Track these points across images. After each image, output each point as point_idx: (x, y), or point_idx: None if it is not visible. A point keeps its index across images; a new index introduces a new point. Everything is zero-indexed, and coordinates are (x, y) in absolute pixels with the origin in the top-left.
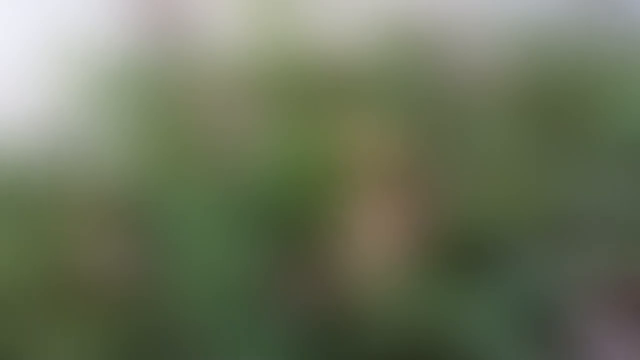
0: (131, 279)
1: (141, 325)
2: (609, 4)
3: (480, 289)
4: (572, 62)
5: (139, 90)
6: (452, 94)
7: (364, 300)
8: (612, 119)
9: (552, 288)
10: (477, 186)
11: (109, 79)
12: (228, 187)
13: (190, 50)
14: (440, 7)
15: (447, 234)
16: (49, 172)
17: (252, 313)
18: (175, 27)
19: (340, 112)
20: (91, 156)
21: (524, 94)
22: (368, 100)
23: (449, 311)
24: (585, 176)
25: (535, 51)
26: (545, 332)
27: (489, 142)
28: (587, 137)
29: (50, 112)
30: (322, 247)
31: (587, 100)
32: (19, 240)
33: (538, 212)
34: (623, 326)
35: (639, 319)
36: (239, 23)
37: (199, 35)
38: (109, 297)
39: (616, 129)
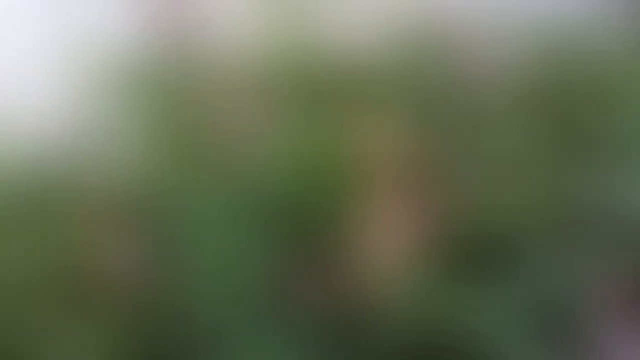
0: (143, 279)
1: (153, 325)
2: (619, 5)
3: (492, 289)
4: (582, 62)
5: (151, 89)
6: (463, 94)
7: (377, 300)
8: (623, 119)
9: (564, 288)
10: (489, 186)
11: (120, 79)
12: (240, 186)
13: (202, 50)
14: (451, 7)
15: (459, 233)
16: (61, 172)
17: (264, 312)
18: (187, 26)
19: (352, 112)
20: (103, 155)
21: (535, 95)
22: (380, 100)
23: (461, 311)
24: (597, 177)
25: (546, 52)
26: (558, 332)
27: (500, 143)
28: (597, 138)
29: (62, 112)
30: (334, 247)
31: (598, 100)
32: (30, 239)
33: (550, 212)
34: (635, 326)
35: None
36: (250, 23)
37: (211, 35)
38: (121, 296)
39: (626, 129)
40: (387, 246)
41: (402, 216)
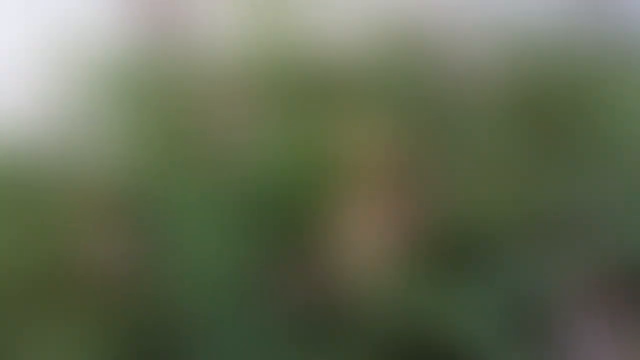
0: (129, 274)
1: (139, 319)
2: (606, 6)
3: (472, 286)
4: (567, 63)
5: (138, 87)
6: (447, 93)
7: (357, 296)
8: (606, 120)
9: (542, 285)
10: (470, 185)
11: (108, 77)
12: (225, 183)
13: (189, 49)
14: (437, 6)
15: (439, 231)
16: (49, 169)
17: (247, 308)
18: (175, 26)
19: (335, 111)
20: (90, 153)
21: (518, 95)
22: (363, 100)
23: (441, 307)
24: (576, 175)
25: (531, 52)
26: (534, 328)
27: (482, 142)
28: (579, 137)
29: (50, 109)
30: (316, 244)
31: (582, 100)
32: (18, 235)
33: (527, 211)
34: (612, 323)
35: (629, 316)
36: (237, 22)
37: (198, 34)
38: (108, 291)
39: (609, 129)
40: (369, 243)
41: (384, 214)
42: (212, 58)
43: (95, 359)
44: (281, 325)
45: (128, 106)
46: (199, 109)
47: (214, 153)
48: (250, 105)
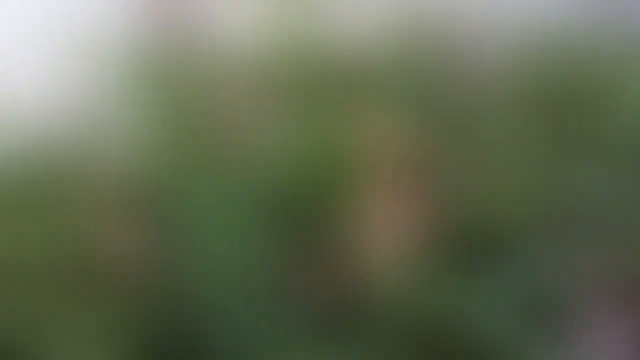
0: (148, 269)
1: (158, 315)
2: (618, 3)
3: (488, 281)
4: (582, 59)
5: (156, 82)
6: (463, 89)
7: (375, 291)
8: (620, 117)
9: (558, 279)
10: (486, 180)
11: (126, 71)
12: (243, 178)
13: (206, 43)
14: (453, 4)
15: (456, 227)
16: (67, 163)
17: (266, 303)
18: (192, 19)
19: (352, 106)
20: (110, 148)
21: (533, 91)
22: (380, 95)
23: (458, 302)
24: (592, 172)
25: (546, 49)
26: (552, 324)
27: (498, 138)
28: (595, 134)
29: (67, 104)
30: (334, 239)
31: (596, 97)
32: (37, 229)
33: (544, 206)
34: (627, 319)
35: None
36: (253, 17)
37: (215, 28)
38: (127, 286)
39: (623, 126)
40: (387, 239)
41: (402, 209)
42: (230, 54)
43: (114, 354)
44: (300, 321)
45: (148, 101)
46: (217, 105)
47: (233, 149)
48: (268, 101)
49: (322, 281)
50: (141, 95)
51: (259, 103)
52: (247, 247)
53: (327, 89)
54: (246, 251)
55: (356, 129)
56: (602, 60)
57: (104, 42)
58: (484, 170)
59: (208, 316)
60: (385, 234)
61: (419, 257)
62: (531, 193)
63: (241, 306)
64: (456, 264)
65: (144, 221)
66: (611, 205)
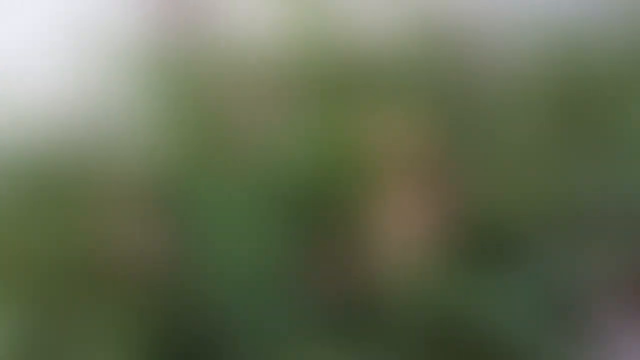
0: (164, 268)
1: (174, 314)
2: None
3: (503, 278)
4: (600, 56)
5: (172, 80)
6: (478, 88)
7: (392, 289)
8: (635, 115)
9: (574, 278)
10: (501, 178)
11: (140, 70)
12: (258, 176)
13: (221, 41)
14: (466, 2)
15: (473, 224)
16: (81, 162)
17: (282, 301)
18: (205, 17)
19: (367, 104)
20: (125, 146)
21: (548, 89)
22: (395, 93)
23: (473, 299)
24: (607, 171)
25: (560, 46)
26: (567, 321)
27: (512, 136)
28: (609, 132)
29: (81, 102)
30: (350, 236)
31: (611, 95)
32: (51, 226)
33: (560, 204)
34: None
35: None
36: (268, 15)
37: (229, 26)
38: (142, 284)
39: (638, 124)
40: (402, 236)
41: (417, 206)
42: (245, 52)
43: (130, 352)
44: (316, 319)
45: (163, 98)
46: (231, 103)
47: (248, 147)
48: (282, 99)
49: (338, 279)
50: (155, 93)
51: (274, 101)
52: (262, 245)
53: (341, 87)
54: (262, 249)
55: (371, 127)
56: (616, 58)
57: (118, 41)
58: (498, 168)
59: (223, 314)
60: (401, 232)
61: (435, 256)
62: (546, 191)
63: (257, 304)
64: (472, 262)
65: (159, 219)
66: (627, 203)
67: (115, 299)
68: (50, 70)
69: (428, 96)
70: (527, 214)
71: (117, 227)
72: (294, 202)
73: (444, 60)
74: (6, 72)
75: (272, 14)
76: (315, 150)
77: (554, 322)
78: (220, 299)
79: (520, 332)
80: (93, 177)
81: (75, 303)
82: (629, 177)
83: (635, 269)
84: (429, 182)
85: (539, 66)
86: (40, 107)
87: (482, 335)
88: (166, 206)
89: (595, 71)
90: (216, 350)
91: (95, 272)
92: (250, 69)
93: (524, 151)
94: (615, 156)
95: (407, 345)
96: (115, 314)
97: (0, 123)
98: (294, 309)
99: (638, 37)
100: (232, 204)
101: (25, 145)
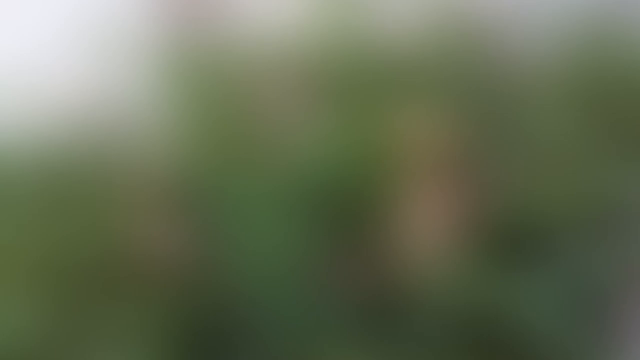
0: (189, 265)
1: (200, 312)
2: None
3: (530, 276)
4: (629, 52)
5: (196, 75)
6: (503, 84)
7: (417, 286)
8: None
9: (603, 275)
10: (528, 175)
11: (164, 64)
12: (284, 174)
13: (246, 37)
14: None
15: (500, 222)
16: (105, 161)
17: (307, 299)
18: (229, 13)
19: (392, 101)
20: (151, 144)
21: (574, 85)
22: (420, 90)
23: (500, 297)
24: (635, 168)
25: (592, 41)
26: (596, 318)
27: (539, 133)
28: (636, 129)
29: (107, 98)
30: (376, 234)
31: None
32: (77, 226)
33: (587, 201)
34: None
35: None
36: (293, 11)
37: (255, 22)
38: (168, 282)
39: None
40: (428, 233)
41: (442, 204)
42: (270, 49)
43: (156, 351)
44: (344, 317)
45: (188, 95)
46: (257, 101)
47: (275, 144)
48: (309, 96)
49: (364, 277)
50: (180, 91)
51: (300, 97)
52: (288, 243)
53: (366, 83)
54: (287, 247)
55: (397, 124)
56: None
57: (139, 37)
58: (525, 165)
59: (249, 313)
60: (428, 230)
61: (461, 254)
62: (573, 188)
63: (283, 303)
64: (499, 260)
65: (184, 217)
66: None
67: (141, 298)
68: (73, 69)
69: (454, 93)
70: (555, 211)
71: (144, 225)
72: (321, 199)
73: (469, 56)
74: (27, 71)
75: (299, 10)
76: (341, 148)
77: (582, 319)
78: (246, 297)
79: (547, 329)
80: (119, 176)
81: (101, 302)
82: None
83: None
84: (455, 179)
85: (566, 61)
86: (65, 106)
87: (509, 333)
88: (192, 204)
89: (623, 66)
90: (242, 349)
91: (121, 271)
92: (275, 64)
93: (550, 148)
94: None
95: (434, 344)
96: (141, 313)
97: (26, 122)
98: (320, 307)
99: None
100: (258, 202)
101: (52, 142)
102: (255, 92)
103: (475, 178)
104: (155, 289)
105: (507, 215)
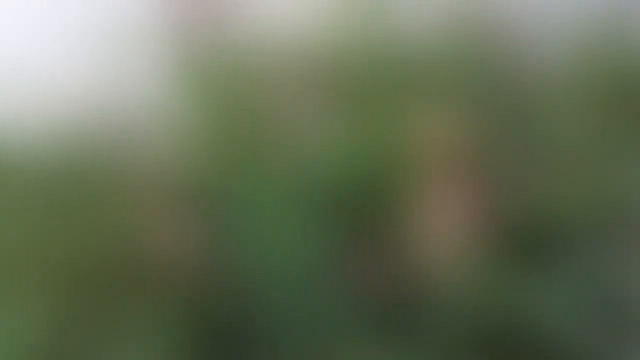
0: (204, 265)
1: (215, 312)
2: None
3: (548, 277)
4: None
5: (208, 75)
6: (519, 85)
7: (432, 287)
8: None
9: (619, 277)
10: (544, 176)
11: (176, 63)
12: (297, 173)
13: (260, 36)
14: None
15: (515, 222)
16: (119, 160)
17: (324, 298)
18: (243, 12)
19: (407, 101)
20: (165, 143)
21: (591, 86)
22: (435, 90)
23: (516, 297)
24: None
25: (608, 42)
26: (615, 320)
27: (555, 133)
28: None
29: (118, 98)
30: (392, 233)
31: None
32: (87, 222)
33: (604, 201)
34: None
35: None
36: (306, 11)
37: (267, 21)
38: (183, 283)
39: None
40: (443, 233)
41: (458, 204)
42: (283, 48)
43: (170, 351)
44: (358, 317)
45: (203, 95)
46: (272, 100)
47: (288, 144)
48: (325, 96)
49: (380, 277)
50: (192, 91)
51: (313, 98)
52: (302, 243)
53: (381, 84)
54: (301, 247)
55: (413, 124)
56: None
57: (151, 37)
58: (542, 164)
59: (263, 313)
60: (443, 230)
61: (478, 253)
62: (590, 188)
63: (299, 302)
64: (516, 260)
65: (198, 218)
66: None
67: (154, 299)
68: (84, 68)
69: (469, 92)
70: (571, 211)
71: (157, 226)
72: (337, 198)
73: (484, 57)
74: (38, 70)
75: (315, 11)
76: (355, 148)
77: (598, 320)
78: (261, 297)
79: (563, 330)
80: (131, 176)
81: (114, 303)
82: None
83: None
84: (470, 179)
85: (581, 61)
86: (76, 106)
87: (526, 334)
88: (205, 204)
89: (637, 66)
90: (256, 349)
91: (135, 271)
92: (288, 64)
93: (567, 148)
94: None
95: (449, 344)
96: (155, 314)
97: (34, 122)
98: (335, 307)
99: None
100: (273, 202)
101: (64, 143)
102: (268, 92)
103: (490, 178)
104: (168, 289)
105: (523, 215)
